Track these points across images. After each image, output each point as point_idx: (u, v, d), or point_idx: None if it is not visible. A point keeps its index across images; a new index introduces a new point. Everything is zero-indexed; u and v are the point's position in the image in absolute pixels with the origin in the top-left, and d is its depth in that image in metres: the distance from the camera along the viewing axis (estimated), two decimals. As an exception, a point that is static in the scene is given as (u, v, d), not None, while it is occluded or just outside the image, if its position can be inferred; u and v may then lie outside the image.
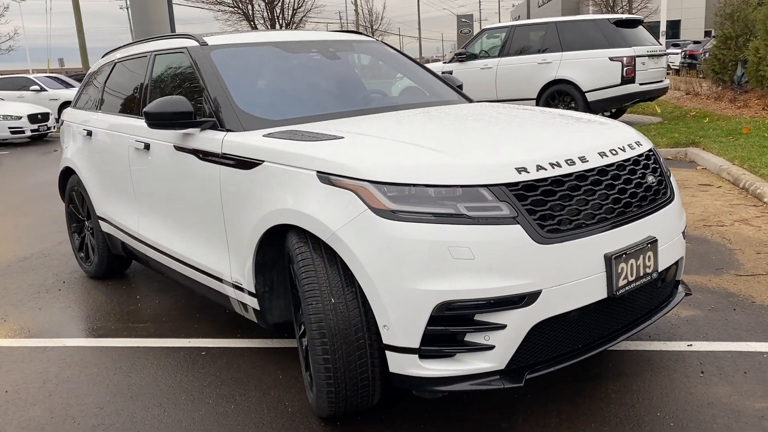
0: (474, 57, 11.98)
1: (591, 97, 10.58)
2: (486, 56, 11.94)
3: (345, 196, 2.43)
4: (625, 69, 10.42)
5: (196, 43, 3.63)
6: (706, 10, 47.64)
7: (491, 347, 2.33)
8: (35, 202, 7.97)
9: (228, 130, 3.12)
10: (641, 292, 2.73)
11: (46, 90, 19.03)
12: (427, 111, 3.47)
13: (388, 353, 2.38)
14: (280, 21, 34.84)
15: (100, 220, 4.49)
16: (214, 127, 3.20)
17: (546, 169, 2.46)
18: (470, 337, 2.34)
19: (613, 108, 11.46)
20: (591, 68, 10.61)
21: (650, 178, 2.80)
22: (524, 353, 2.39)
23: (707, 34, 43.05)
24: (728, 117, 10.86)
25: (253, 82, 3.55)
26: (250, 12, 34.63)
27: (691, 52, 26.85)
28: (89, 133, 4.47)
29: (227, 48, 3.66)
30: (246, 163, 2.89)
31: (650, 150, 2.93)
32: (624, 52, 10.44)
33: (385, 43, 4.39)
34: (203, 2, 33.72)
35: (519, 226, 2.32)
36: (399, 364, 2.37)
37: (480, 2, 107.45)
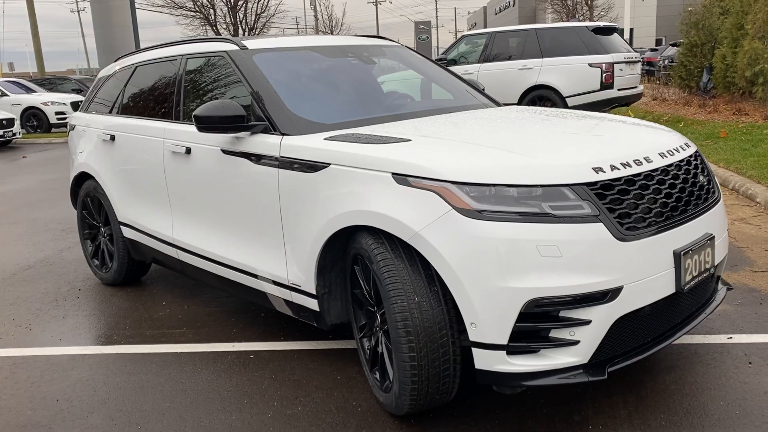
0: (454, 63, 12.14)
1: (571, 102, 10.84)
2: (466, 62, 12.11)
3: (426, 197, 2.47)
4: (604, 75, 10.72)
5: (235, 47, 3.62)
6: (656, 19, 49.26)
7: (576, 342, 2.40)
8: (21, 210, 7.75)
9: (283, 134, 3.12)
10: (697, 288, 2.84)
11: (7, 95, 18.46)
12: (474, 114, 3.54)
13: (475, 350, 2.43)
14: (243, 26, 34.58)
15: (122, 226, 4.41)
16: (266, 131, 3.19)
17: (619, 169, 2.54)
18: (555, 333, 2.41)
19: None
20: (571, 74, 10.88)
21: (701, 178, 2.92)
22: (605, 347, 2.47)
23: (658, 42, 44.47)
24: (701, 121, 11.26)
25: (299, 86, 3.56)
26: (212, 16, 34.30)
27: (649, 59, 27.70)
28: (112, 138, 4.39)
29: (268, 52, 3.66)
30: (310, 166, 2.90)
31: (697, 151, 3.06)
32: (603, 58, 10.75)
33: (411, 48, 4.45)
34: (164, 6, 33.29)
35: (601, 224, 2.40)
36: (486, 361, 2.42)
37: (437, 9, 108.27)
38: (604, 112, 12.02)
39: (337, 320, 3.09)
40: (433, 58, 12.70)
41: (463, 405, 2.81)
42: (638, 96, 11.77)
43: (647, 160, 2.67)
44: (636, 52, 12.33)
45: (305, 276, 2.99)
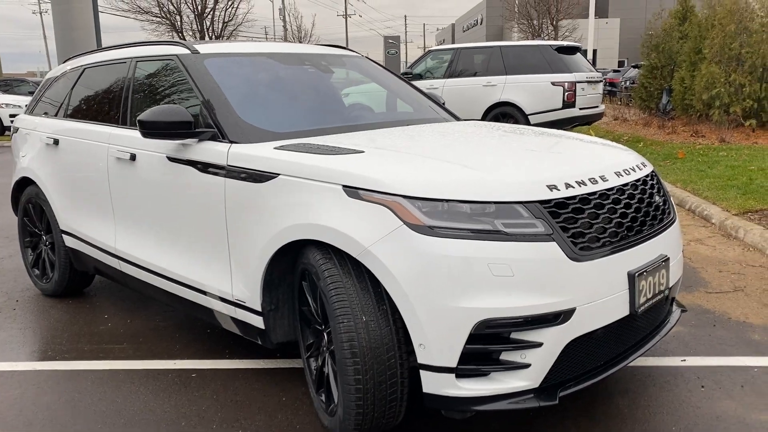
0: (420, 77, 12.14)
1: (534, 119, 10.91)
2: (431, 77, 12.12)
3: (377, 211, 2.37)
4: (566, 93, 10.82)
5: (186, 51, 3.49)
6: (620, 42, 50.44)
7: (527, 365, 2.32)
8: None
9: (232, 142, 2.99)
10: (651, 310, 2.80)
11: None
12: (432, 127, 3.46)
13: (423, 373, 2.33)
14: (210, 33, 34.25)
15: (64, 234, 4.20)
16: (214, 138, 3.06)
17: (574, 187, 2.48)
18: (506, 356, 2.33)
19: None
20: (534, 92, 10.96)
21: (657, 198, 2.89)
22: (556, 371, 2.39)
23: (620, 63, 45.50)
24: (660, 142, 11.45)
25: (251, 93, 3.44)
26: (179, 23, 33.91)
27: (612, 80, 28.27)
28: (56, 142, 4.19)
29: (220, 57, 3.53)
30: (258, 176, 2.78)
31: (653, 171, 3.03)
32: (565, 77, 10.85)
33: (371, 60, 4.37)
34: (128, 11, 32.78)
35: (555, 243, 2.33)
36: (434, 384, 2.32)
37: (406, 24, 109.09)
38: (565, 130, 12.15)
39: (283, 338, 2.95)
40: (400, 72, 12.69)
41: (409, 429, 2.70)
42: (600, 115, 11.92)
43: (603, 178, 2.62)
44: (599, 72, 12.51)
45: (250, 292, 2.85)
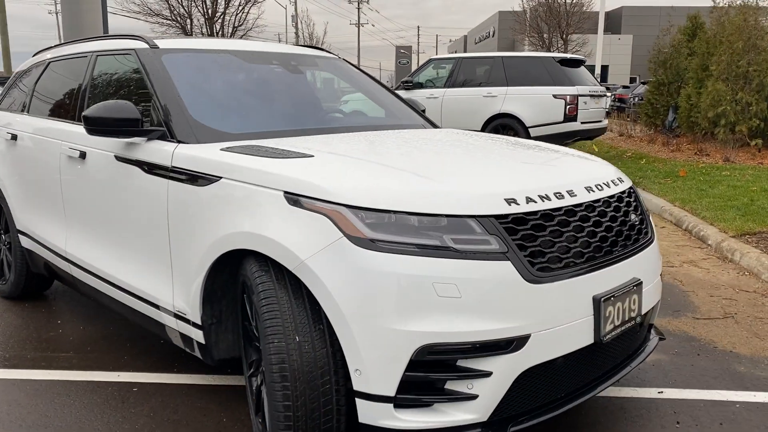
0: (420, 86, 11.95)
1: (534, 132, 10.68)
2: (432, 86, 11.93)
3: (317, 221, 2.16)
4: (568, 107, 10.59)
5: (145, 45, 3.30)
6: (632, 58, 50.16)
7: (474, 397, 2.10)
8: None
9: (180, 142, 2.80)
10: (622, 337, 2.57)
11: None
12: (399, 134, 3.25)
13: (358, 401, 2.11)
14: (219, 38, 34.29)
15: (20, 235, 4.02)
16: (162, 138, 2.87)
17: (536, 202, 2.27)
18: (452, 385, 2.11)
19: (556, 144, 11.63)
20: (535, 104, 10.74)
21: (633, 217, 2.67)
22: (508, 403, 2.17)
23: (632, 80, 45.19)
24: (663, 159, 11.20)
25: (209, 92, 3.25)
26: (189, 26, 33.95)
27: (621, 96, 28.05)
28: (13, 137, 4.02)
29: (180, 53, 3.35)
30: (200, 179, 2.58)
31: (631, 188, 2.81)
32: (567, 90, 10.63)
33: (348, 62, 4.17)
34: (139, 13, 32.85)
35: (509, 262, 2.12)
36: (370, 414, 2.10)
37: (418, 35, 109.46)
38: (566, 145, 11.92)
39: (227, 355, 2.74)
40: (401, 80, 12.50)
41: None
42: (602, 130, 11.68)
43: (570, 193, 2.40)
44: (602, 86, 12.29)
45: (190, 303, 2.65)
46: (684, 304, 4.31)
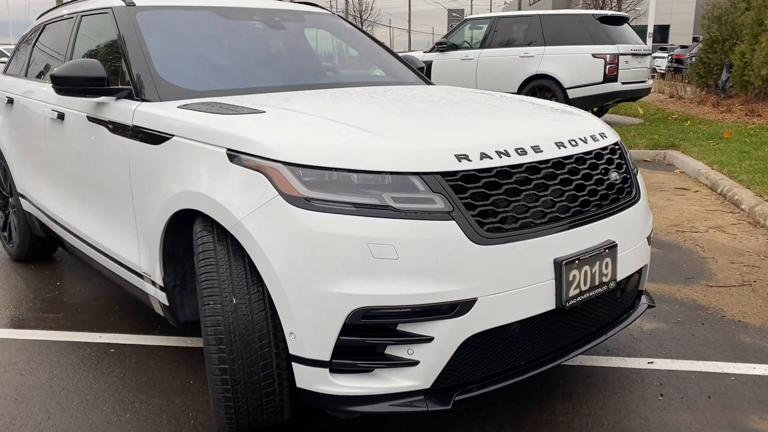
0: (455, 47, 11.63)
1: (572, 94, 10.27)
2: (468, 47, 11.59)
3: (254, 180, 2.07)
4: (607, 67, 10.12)
5: (121, 3, 3.23)
6: (695, 16, 47.69)
7: (415, 363, 1.99)
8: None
9: (144, 100, 2.74)
10: (597, 303, 2.41)
11: None
12: (374, 90, 3.11)
13: (294, 366, 2.04)
14: None
15: (20, 198, 4.08)
16: (129, 97, 2.81)
17: (491, 158, 2.11)
18: (392, 350, 2.00)
19: (595, 107, 11.17)
20: (573, 64, 10.30)
21: (614, 175, 2.47)
22: (454, 371, 2.06)
23: (695, 39, 43.02)
24: (710, 121, 10.63)
25: (181, 50, 3.17)
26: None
27: (678, 56, 26.72)
28: (10, 101, 4.06)
29: (156, 10, 3.26)
30: (156, 137, 2.52)
31: (616, 143, 2.60)
32: (607, 49, 10.14)
33: (342, 17, 4.02)
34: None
35: (454, 222, 1.98)
36: (307, 379, 2.02)
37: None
38: (606, 106, 11.44)
39: (194, 317, 2.70)
40: (435, 42, 12.18)
41: (308, 425, 2.42)
42: (645, 91, 11.13)
43: (536, 149, 2.23)
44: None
45: (152, 264, 2.61)
46: (700, 270, 4.06)
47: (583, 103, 10.49)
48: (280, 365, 2.10)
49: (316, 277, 1.94)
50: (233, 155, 2.16)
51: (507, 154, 2.15)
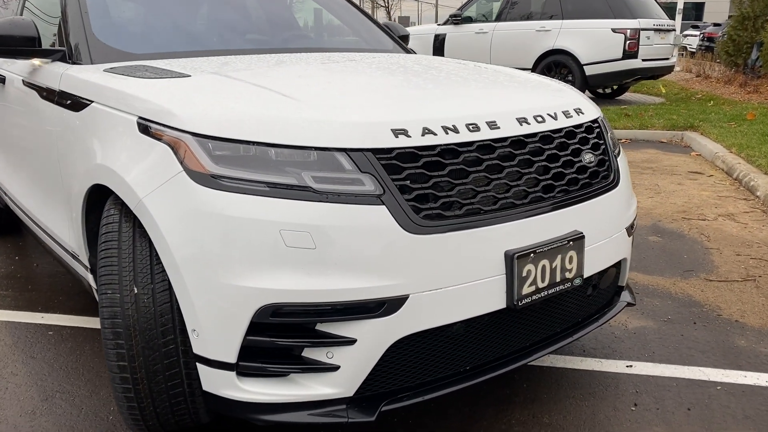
0: (470, 20, 11.20)
1: (589, 70, 9.83)
2: (483, 20, 11.15)
3: (160, 153, 1.82)
4: (627, 42, 9.64)
5: (68, -43, 2.97)
6: (731, -5, 46.08)
7: (335, 368, 1.74)
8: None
9: (75, 63, 2.49)
10: (562, 301, 2.13)
11: None
12: (332, 56, 2.81)
13: (199, 366, 1.80)
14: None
15: (-20, 167, 3.88)
16: (63, 59, 2.57)
17: (436, 134, 1.83)
18: (309, 353, 1.75)
19: (614, 84, 10.72)
20: (591, 39, 9.84)
21: (587, 157, 2.17)
22: (383, 377, 1.80)
23: (731, 18, 41.59)
24: (735, 102, 10.11)
25: (127, 9, 2.91)
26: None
27: (710, 34, 25.72)
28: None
29: (105, -34, 2.99)
30: (77, 104, 2.27)
31: (594, 121, 2.29)
32: (628, 23, 9.65)
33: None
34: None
35: (384, 207, 1.71)
36: (212, 382, 1.78)
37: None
38: (626, 84, 10.95)
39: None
40: (450, 14, 11.74)
41: (234, 429, 2.19)
42: (668, 69, 10.62)
43: (492, 125, 1.94)
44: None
45: (78, 243, 2.39)
46: (700, 262, 3.73)
47: (601, 80, 10.06)
48: (188, 364, 1.86)
49: (220, 268, 1.69)
50: (144, 125, 1.90)
51: (455, 130, 1.87)
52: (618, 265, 2.35)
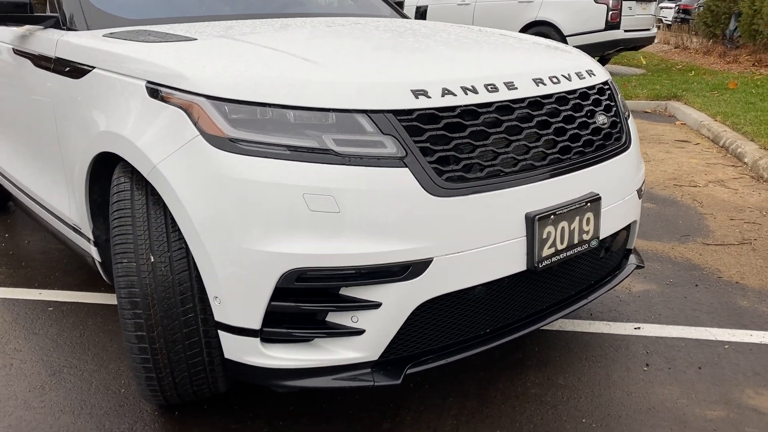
0: (452, -9, 11.09)
1: (572, 42, 9.79)
2: (465, -8, 11.05)
3: (174, 117, 1.76)
4: (610, 13, 9.65)
5: None
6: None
7: (360, 332, 1.72)
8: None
9: (71, 29, 2.41)
10: (577, 263, 2.13)
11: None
12: (333, 20, 2.76)
13: (221, 334, 1.77)
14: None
15: (-36, 142, 3.76)
16: (56, 26, 2.48)
17: (455, 95, 1.80)
18: (333, 318, 1.73)
19: (596, 55, 10.70)
20: (574, 10, 9.82)
21: (600, 118, 2.16)
22: (407, 340, 1.79)
23: (704, -10, 41.74)
24: (716, 71, 10.20)
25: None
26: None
27: (685, 6, 25.86)
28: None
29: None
30: (77, 70, 2.20)
31: (605, 83, 2.28)
32: (610, -6, 9.64)
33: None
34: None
35: (407, 169, 1.68)
36: (235, 349, 1.76)
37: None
38: (608, 55, 10.97)
39: (131, 273, 2.42)
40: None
41: (251, 396, 2.17)
42: (649, 40, 10.66)
43: (510, 86, 1.91)
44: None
45: (81, 216, 2.32)
46: (696, 227, 3.77)
47: (584, 52, 10.04)
48: (208, 332, 1.83)
49: (242, 233, 1.65)
50: (154, 89, 1.84)
51: (474, 90, 1.84)
52: (628, 228, 2.35)
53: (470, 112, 1.81)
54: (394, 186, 1.67)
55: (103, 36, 2.23)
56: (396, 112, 1.71)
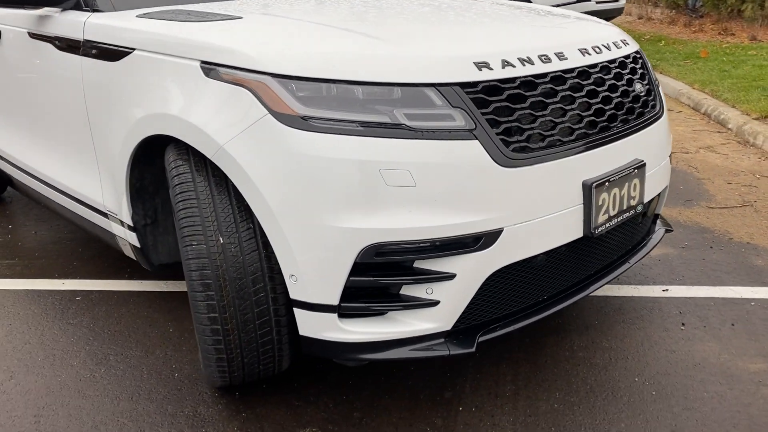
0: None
1: (544, 14, 9.88)
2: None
3: (238, 96, 1.75)
4: (582, -16, 9.72)
5: None
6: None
7: (435, 303, 1.75)
8: None
9: (95, 10, 2.34)
10: (621, 229, 2.20)
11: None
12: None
13: (297, 311, 1.78)
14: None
15: (-40, 132, 3.63)
16: (77, 7, 2.41)
17: (515, 66, 1.83)
18: (408, 290, 1.75)
19: (567, 28, 10.84)
20: (546, -17, 9.87)
21: (638, 86, 2.21)
22: (477, 309, 1.83)
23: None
24: (684, 41, 10.40)
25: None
26: None
27: (642, -23, 26.26)
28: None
29: None
30: (113, 53, 2.15)
31: (637, 52, 2.33)
32: (582, -35, 9.72)
33: None
34: None
35: (477, 142, 1.70)
36: (311, 326, 1.77)
37: None
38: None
39: (169, 259, 2.40)
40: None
41: (308, 373, 2.19)
42: (619, 11, 10.80)
43: (560, 56, 1.94)
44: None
45: (118, 201, 2.28)
46: (698, 192, 3.89)
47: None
48: (278, 311, 1.84)
49: (319, 211, 1.66)
50: (209, 68, 1.82)
51: (530, 61, 1.87)
52: (660, 194, 2.43)
53: (528, 83, 1.84)
54: (465, 158, 1.69)
55: (136, 17, 2.18)
56: (463, 85, 1.73)
